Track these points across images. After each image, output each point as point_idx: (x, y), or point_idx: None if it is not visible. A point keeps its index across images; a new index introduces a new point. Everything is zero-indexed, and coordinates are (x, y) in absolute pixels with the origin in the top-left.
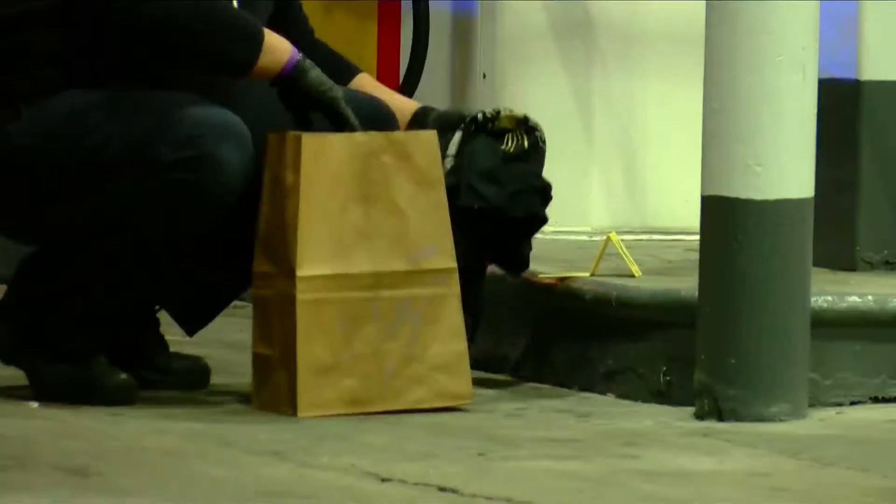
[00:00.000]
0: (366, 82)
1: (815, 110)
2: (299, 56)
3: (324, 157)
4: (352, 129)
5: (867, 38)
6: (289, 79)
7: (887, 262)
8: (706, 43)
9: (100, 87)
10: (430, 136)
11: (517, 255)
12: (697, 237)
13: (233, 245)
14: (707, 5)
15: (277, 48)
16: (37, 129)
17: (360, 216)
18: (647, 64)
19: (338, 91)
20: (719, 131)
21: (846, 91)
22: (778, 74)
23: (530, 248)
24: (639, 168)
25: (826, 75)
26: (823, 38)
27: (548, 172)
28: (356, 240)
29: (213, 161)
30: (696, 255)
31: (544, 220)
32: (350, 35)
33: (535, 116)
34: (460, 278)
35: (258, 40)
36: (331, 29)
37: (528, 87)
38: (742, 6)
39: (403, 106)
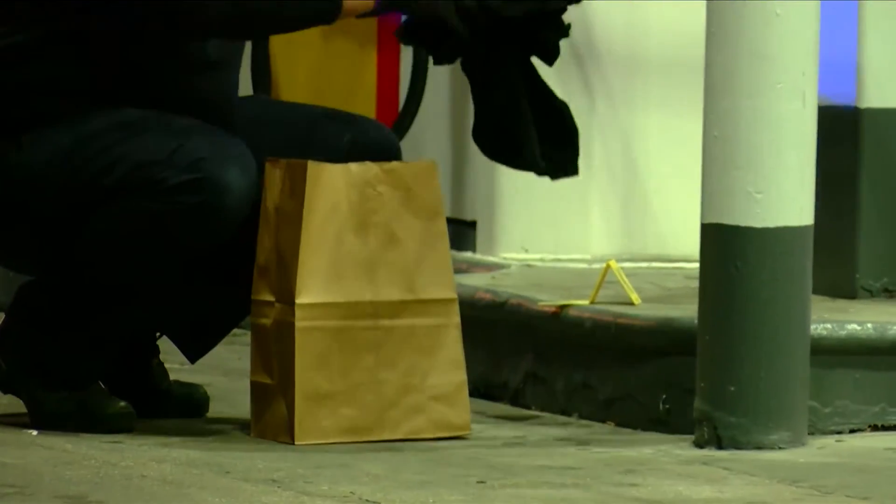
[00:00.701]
0: None
1: (814, 137)
2: None
3: (323, 186)
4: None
5: (867, 66)
6: (386, 5)
7: (887, 290)
8: (706, 69)
9: (100, 113)
10: (428, 166)
11: (548, 45)
12: (697, 265)
13: (233, 272)
14: (706, 31)
15: None
16: (38, 158)
17: (358, 246)
18: (647, 91)
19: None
20: (719, 158)
21: (846, 118)
22: (778, 101)
23: (563, 34)
24: (638, 195)
25: (826, 102)
26: (823, 64)
27: (549, 200)
28: (355, 269)
29: (218, 184)
30: (695, 283)
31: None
32: (349, 62)
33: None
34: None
35: None
36: (330, 55)
37: None
38: (741, 32)
39: None
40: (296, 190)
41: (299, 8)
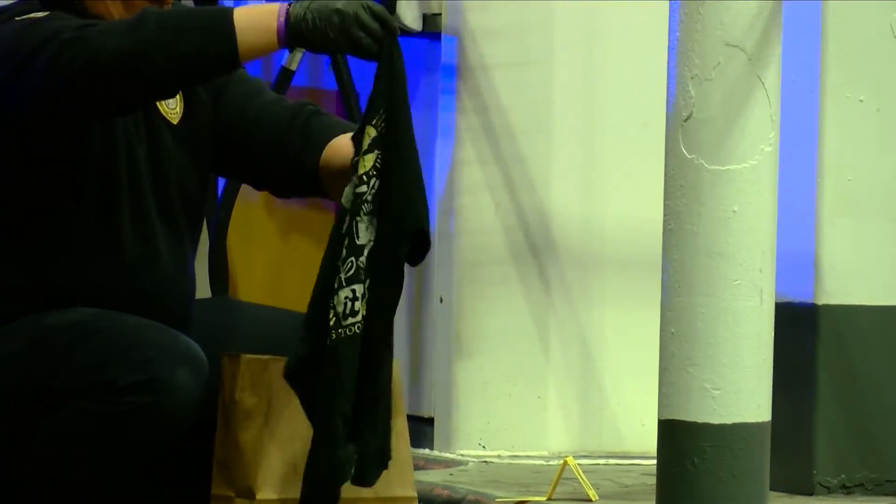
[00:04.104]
0: (345, 143)
1: (772, 334)
2: (288, 8)
3: (283, 383)
4: (370, 54)
5: (824, 263)
6: (295, 38)
7: (844, 487)
8: (663, 267)
9: (49, 315)
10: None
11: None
12: (654, 461)
13: (190, 468)
14: (663, 228)
15: (256, 15)
16: None
17: None
18: (603, 288)
19: (349, 23)
20: (676, 355)
21: (803, 315)
22: (735, 298)
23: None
24: (596, 392)
25: (783, 299)
26: (780, 261)
27: (506, 397)
28: None
29: (168, 385)
30: (653, 480)
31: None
32: (307, 261)
33: (493, 340)
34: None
35: (225, 24)
36: (288, 252)
37: (486, 311)
38: (698, 230)
39: None
40: (256, 386)
41: (194, 44)
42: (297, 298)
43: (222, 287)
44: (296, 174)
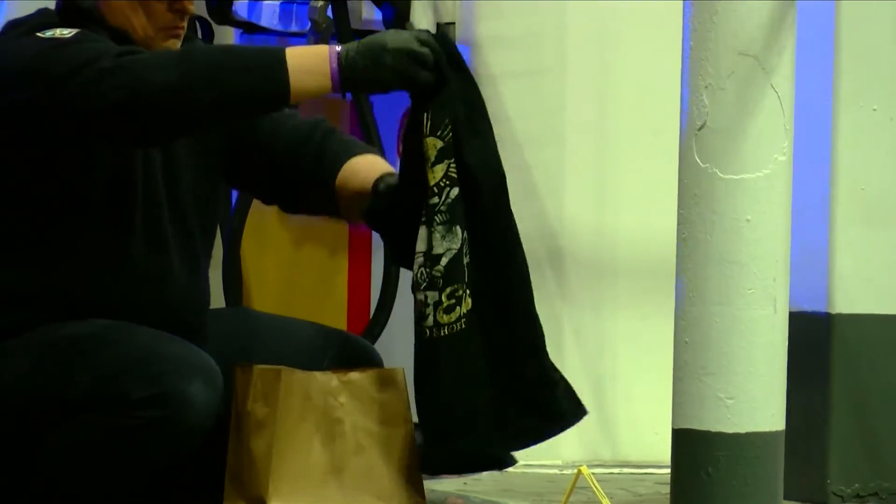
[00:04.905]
0: (361, 164)
1: (785, 343)
2: (338, 51)
3: (294, 393)
4: (427, 85)
5: (838, 272)
6: (347, 82)
7: (858, 496)
8: (676, 275)
9: (64, 326)
10: (393, 374)
11: None
12: (668, 470)
13: (203, 479)
14: (677, 237)
15: (308, 58)
16: (4, 371)
17: (327, 453)
18: (617, 296)
19: (401, 59)
20: (690, 364)
21: (817, 324)
22: (749, 307)
23: None
24: (609, 401)
25: (797, 308)
26: (794, 270)
27: None
28: (326, 476)
29: (181, 399)
30: (667, 489)
31: None
32: (320, 269)
33: None
34: None
35: (279, 67)
36: (302, 261)
37: None
38: (712, 239)
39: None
40: (268, 396)
41: (244, 84)
42: (310, 307)
43: (236, 295)
44: (309, 188)
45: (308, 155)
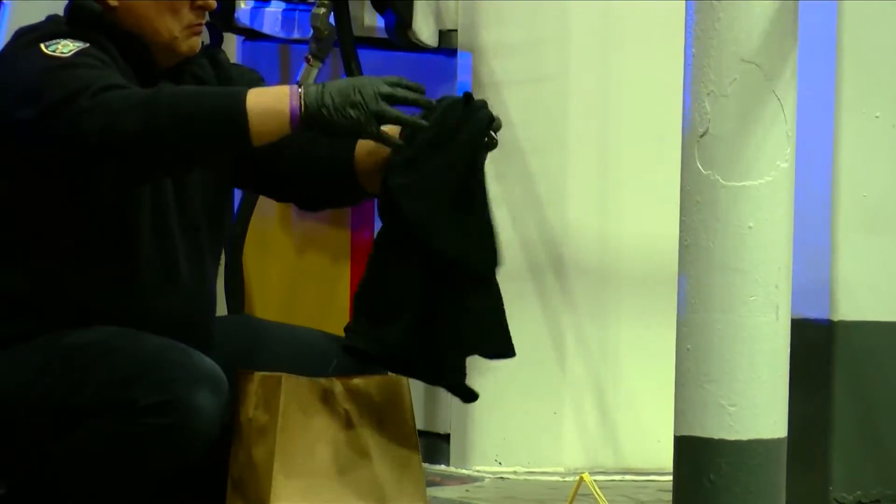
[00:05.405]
0: None
1: (787, 350)
2: (299, 92)
3: (297, 400)
4: (398, 144)
5: (840, 279)
6: (312, 122)
7: (860, 503)
8: (679, 283)
9: (71, 332)
10: (397, 381)
11: None
12: (670, 477)
13: (206, 486)
14: (679, 244)
15: (266, 99)
16: (10, 379)
17: (330, 460)
18: (619, 303)
19: (371, 102)
20: (692, 371)
21: (819, 331)
22: (751, 314)
23: None
24: (612, 408)
25: (799, 315)
26: (796, 277)
27: (522, 412)
28: (328, 483)
29: (188, 406)
30: (669, 496)
31: None
32: (323, 277)
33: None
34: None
35: (237, 108)
36: (304, 268)
37: None
38: (714, 246)
39: None
40: (270, 403)
41: (206, 133)
42: (312, 314)
43: (238, 302)
44: (328, 173)
45: (322, 141)
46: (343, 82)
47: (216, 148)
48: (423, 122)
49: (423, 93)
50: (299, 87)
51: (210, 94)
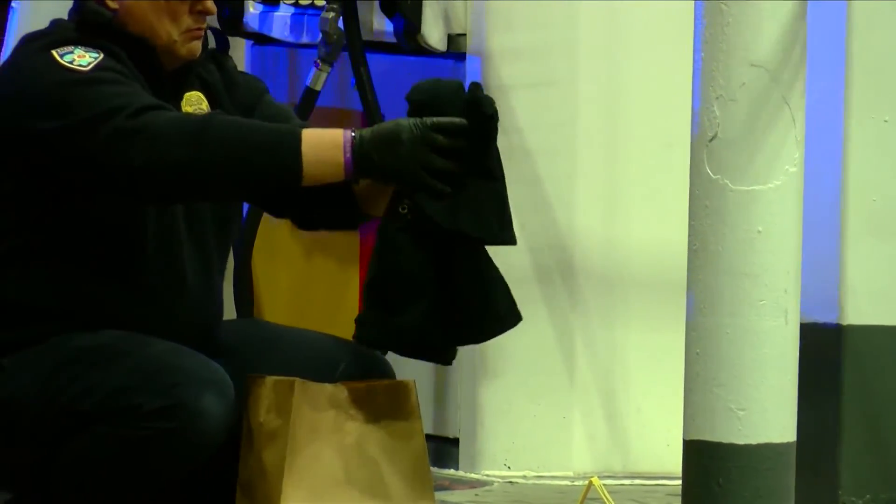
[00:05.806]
0: None
1: (797, 354)
2: (352, 139)
3: (307, 405)
4: (446, 191)
5: (849, 283)
6: (359, 171)
7: None
8: (688, 287)
9: (78, 336)
10: (403, 386)
11: None
12: (679, 482)
13: (214, 489)
14: (688, 249)
15: (321, 146)
16: (17, 382)
17: (338, 465)
18: (628, 308)
19: (416, 150)
20: (701, 375)
21: (828, 335)
22: (760, 318)
23: None
24: (621, 412)
25: (808, 319)
26: (805, 281)
27: (531, 417)
28: (337, 487)
29: (194, 410)
30: (678, 500)
31: None
32: (332, 280)
33: (518, 360)
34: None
35: (293, 157)
36: (313, 273)
37: (511, 331)
38: (723, 250)
39: None
40: (281, 407)
41: (258, 170)
42: (321, 319)
43: (247, 307)
44: (327, 196)
45: None
46: (389, 133)
47: (264, 188)
48: (456, 168)
49: (462, 135)
50: (353, 133)
51: (264, 131)
